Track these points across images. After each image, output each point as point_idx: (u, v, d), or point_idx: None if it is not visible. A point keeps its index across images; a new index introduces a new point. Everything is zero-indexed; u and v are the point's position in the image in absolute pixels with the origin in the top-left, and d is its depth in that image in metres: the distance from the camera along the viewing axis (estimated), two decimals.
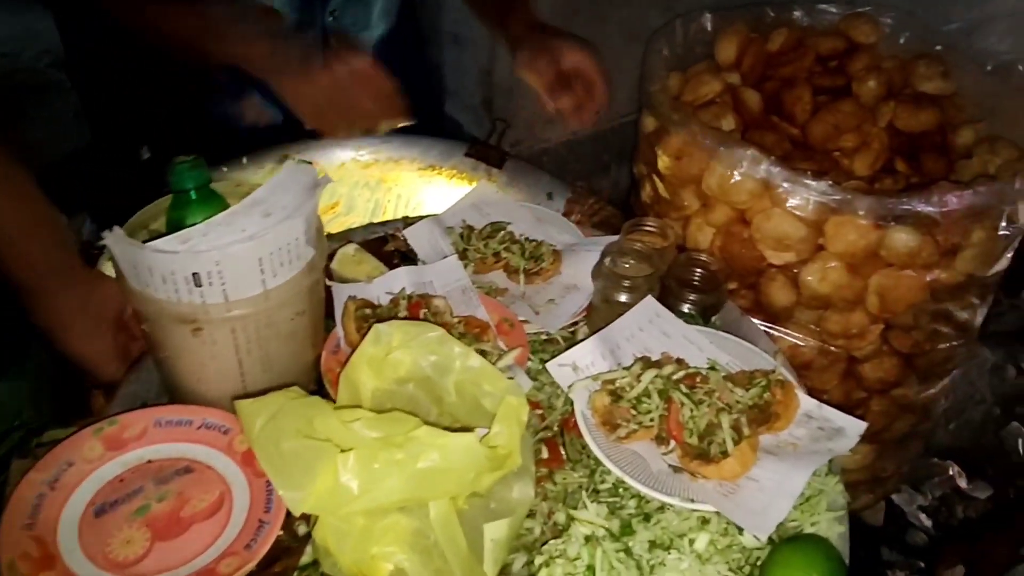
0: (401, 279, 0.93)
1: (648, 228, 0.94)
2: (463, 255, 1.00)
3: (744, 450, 0.68)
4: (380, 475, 0.56)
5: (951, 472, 2.00)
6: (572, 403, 0.81)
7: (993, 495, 1.86)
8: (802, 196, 0.91)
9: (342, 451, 0.58)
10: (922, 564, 1.68)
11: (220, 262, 0.67)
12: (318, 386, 0.84)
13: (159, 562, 0.65)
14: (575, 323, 0.94)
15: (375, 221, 1.24)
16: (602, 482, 0.74)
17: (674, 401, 0.72)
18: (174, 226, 0.79)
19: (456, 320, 0.86)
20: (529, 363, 0.87)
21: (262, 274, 0.70)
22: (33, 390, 0.96)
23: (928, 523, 1.87)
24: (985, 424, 2.11)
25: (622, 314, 0.86)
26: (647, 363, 0.77)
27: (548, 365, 0.79)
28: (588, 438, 0.72)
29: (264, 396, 0.63)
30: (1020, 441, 2.09)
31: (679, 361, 0.78)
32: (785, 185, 0.92)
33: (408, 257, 1.03)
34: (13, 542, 0.64)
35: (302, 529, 0.69)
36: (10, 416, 0.96)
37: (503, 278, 0.99)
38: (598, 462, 0.74)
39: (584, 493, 0.71)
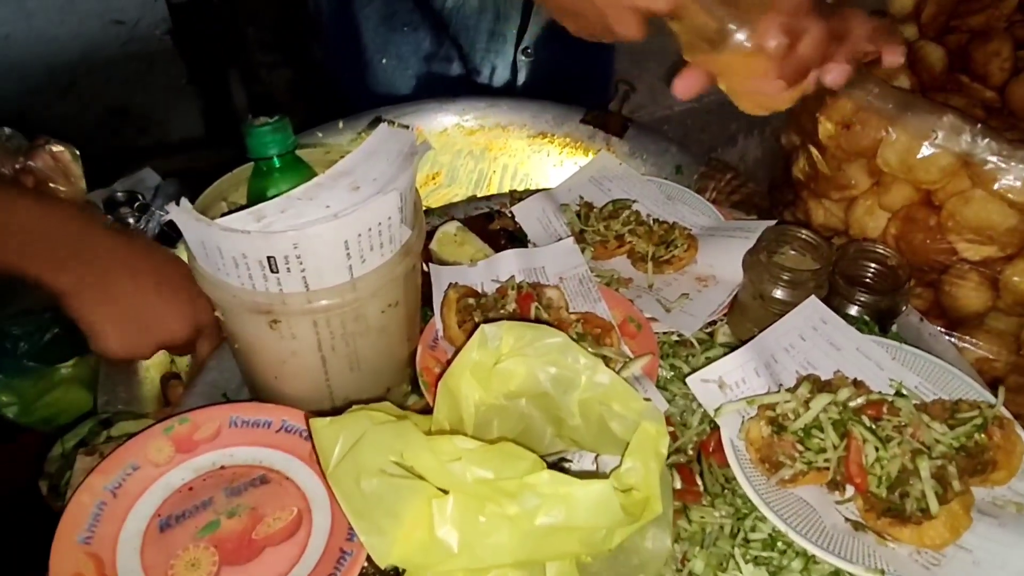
0: (509, 264, 0.80)
1: (799, 243, 0.73)
2: (580, 237, 0.86)
3: (955, 510, 0.52)
4: (486, 530, 0.44)
5: None
6: (712, 422, 0.67)
7: None
8: (1018, 175, 0.72)
9: (437, 489, 0.46)
10: None
11: (299, 245, 0.56)
12: (412, 385, 0.74)
13: None
14: (712, 322, 0.79)
15: (479, 195, 1.13)
16: (753, 530, 0.59)
17: (854, 437, 0.57)
18: (255, 198, 0.70)
19: (574, 318, 0.72)
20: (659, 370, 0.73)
21: (349, 259, 0.59)
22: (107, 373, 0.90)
23: None
24: None
25: (778, 315, 0.70)
26: (816, 384, 0.61)
27: (689, 380, 0.64)
28: (741, 478, 0.57)
29: (345, 416, 0.52)
30: None
31: (856, 383, 0.62)
32: (994, 160, 0.72)
33: (516, 238, 0.91)
34: (66, 559, 0.56)
35: None
36: (80, 401, 0.90)
37: (627, 266, 0.85)
38: (748, 503, 0.59)
39: (734, 546, 0.56)
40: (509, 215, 0.94)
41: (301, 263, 0.57)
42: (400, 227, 0.62)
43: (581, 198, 0.92)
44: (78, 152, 0.93)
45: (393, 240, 0.61)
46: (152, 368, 0.84)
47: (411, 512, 0.46)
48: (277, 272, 0.57)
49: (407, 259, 0.64)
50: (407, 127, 0.67)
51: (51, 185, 0.90)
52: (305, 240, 0.55)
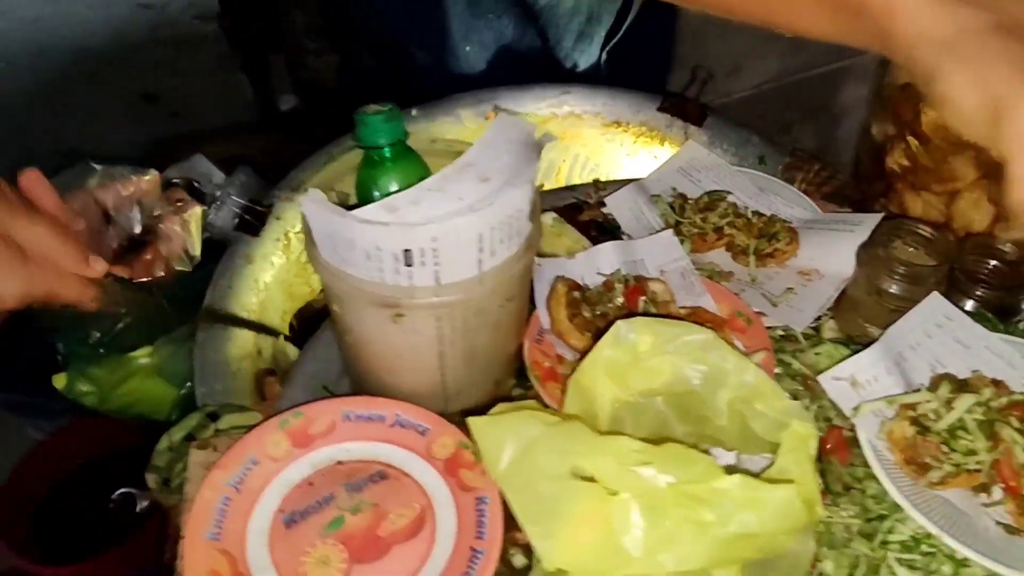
0: (609, 256, 0.79)
1: (914, 237, 0.73)
2: (676, 230, 0.84)
3: None
4: (672, 536, 0.43)
5: None
6: (826, 420, 0.66)
7: None
8: None
9: (606, 491, 0.45)
10: None
11: (437, 238, 0.54)
12: (517, 379, 0.72)
13: None
14: (818, 317, 0.77)
15: (547, 186, 1.11)
16: (891, 532, 0.58)
17: (1003, 439, 0.55)
18: (364, 188, 0.69)
19: (684, 312, 0.71)
20: None
21: (480, 253, 0.57)
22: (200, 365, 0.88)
23: None
24: None
25: (893, 311, 0.69)
26: (955, 383, 0.59)
27: (821, 379, 0.63)
28: (885, 480, 0.56)
29: (508, 415, 0.51)
30: None
31: (996, 383, 0.60)
32: None
33: (607, 229, 0.89)
34: (200, 556, 0.55)
35: (519, 560, 0.57)
36: (157, 390, 0.89)
37: (726, 259, 0.83)
38: (881, 503, 0.58)
39: (874, 549, 0.55)
40: (597, 205, 0.92)
41: (436, 256, 0.55)
42: (526, 221, 0.60)
43: (674, 189, 0.90)
44: (207, 210, 0.88)
45: (519, 234, 0.60)
46: (246, 360, 0.83)
47: (579, 514, 0.45)
48: (411, 266, 0.56)
49: (528, 254, 0.62)
50: (523, 117, 0.65)
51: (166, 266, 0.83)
52: (444, 233, 0.54)
